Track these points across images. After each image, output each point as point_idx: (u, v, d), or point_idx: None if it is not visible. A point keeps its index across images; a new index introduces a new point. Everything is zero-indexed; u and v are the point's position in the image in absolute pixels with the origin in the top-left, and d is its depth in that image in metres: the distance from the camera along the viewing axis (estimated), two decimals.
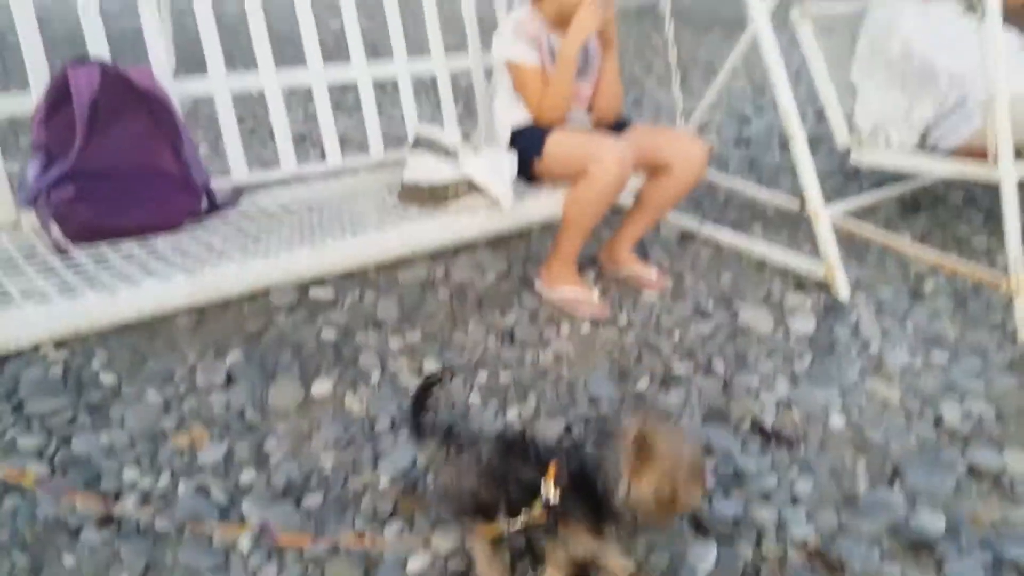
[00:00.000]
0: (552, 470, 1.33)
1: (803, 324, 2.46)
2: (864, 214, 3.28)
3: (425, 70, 2.75)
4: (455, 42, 2.83)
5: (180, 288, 1.75)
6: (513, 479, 1.36)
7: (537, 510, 1.31)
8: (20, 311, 1.60)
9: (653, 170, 2.52)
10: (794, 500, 1.77)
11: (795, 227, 3.19)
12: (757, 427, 2.00)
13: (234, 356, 2.13)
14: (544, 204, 2.39)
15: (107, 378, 2.01)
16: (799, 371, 2.24)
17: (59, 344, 2.11)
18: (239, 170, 2.35)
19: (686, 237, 3.05)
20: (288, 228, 2.12)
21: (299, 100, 4.06)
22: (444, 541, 1.54)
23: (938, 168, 2.90)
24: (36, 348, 2.08)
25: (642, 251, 2.88)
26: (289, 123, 2.47)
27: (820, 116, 4.77)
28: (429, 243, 2.30)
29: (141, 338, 2.18)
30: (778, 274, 2.78)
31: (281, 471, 1.75)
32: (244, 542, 1.55)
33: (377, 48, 2.88)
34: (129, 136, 2.04)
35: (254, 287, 1.95)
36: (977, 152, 2.85)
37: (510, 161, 2.30)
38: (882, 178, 3.63)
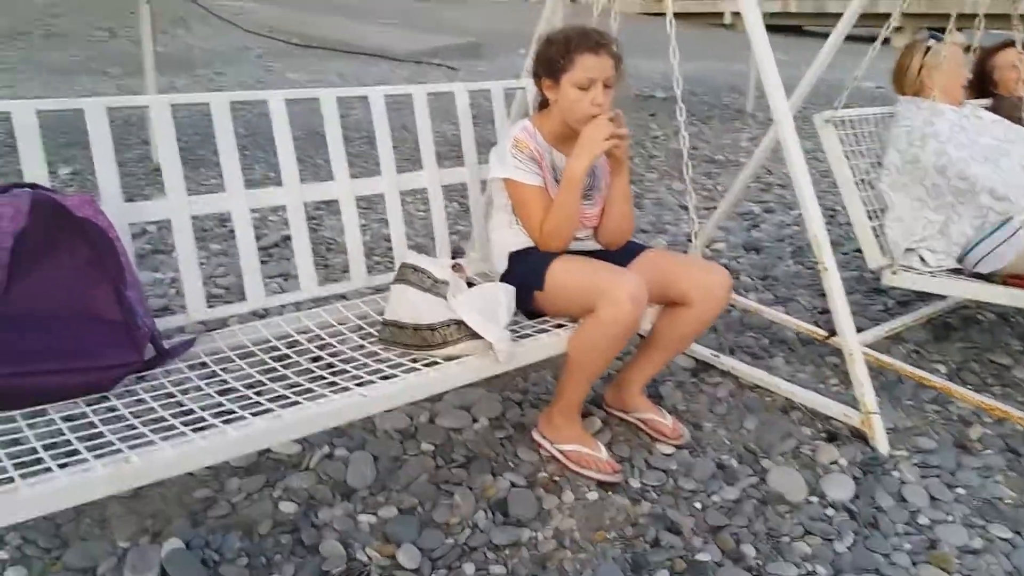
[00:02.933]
0: None
1: (840, 489, 2.13)
2: (891, 340, 2.98)
3: (415, 184, 2.47)
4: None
5: (100, 482, 1.42)
6: None
7: None
8: None
9: (669, 303, 2.22)
10: None
11: (820, 355, 2.88)
12: None
13: (172, 543, 1.78)
14: (547, 345, 2.08)
15: (15, 574, 1.66)
16: (841, 555, 1.90)
17: None
18: (196, 307, 2.04)
19: (700, 369, 2.73)
20: (245, 384, 1.80)
21: (272, 220, 3.79)
22: None
23: (987, 295, 2.62)
24: None
25: (653, 386, 2.56)
26: (256, 247, 2.16)
27: (832, 217, 4.55)
28: (425, 394, 1.97)
29: (65, 515, 1.84)
30: (807, 418, 2.46)
31: None
32: None
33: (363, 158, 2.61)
34: (61, 276, 1.73)
35: (196, 467, 1.61)
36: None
37: (507, 300, 2.00)
38: (907, 295, 3.35)
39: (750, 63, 8.13)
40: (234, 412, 1.66)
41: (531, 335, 2.07)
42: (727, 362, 2.70)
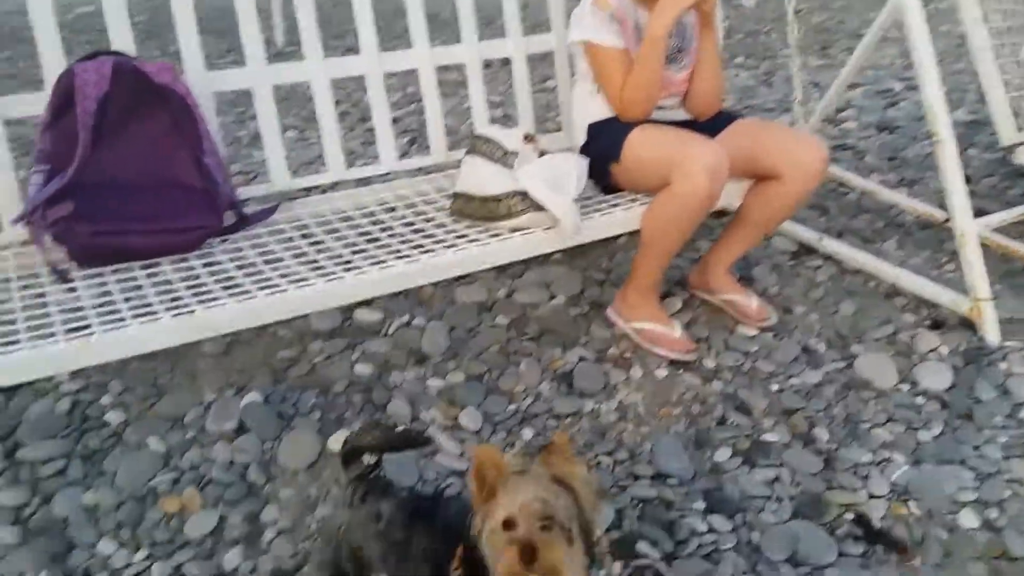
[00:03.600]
0: (458, 558, 1.05)
1: (936, 378, 1.99)
2: (1018, 226, 2.69)
3: (498, 52, 2.39)
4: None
5: (165, 331, 1.53)
6: (412, 547, 1.11)
7: None
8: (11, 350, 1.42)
9: (759, 177, 2.09)
10: None
11: (939, 242, 2.65)
12: (861, 525, 1.59)
13: (253, 396, 1.90)
14: (618, 221, 2.02)
15: (113, 417, 1.83)
16: (924, 445, 1.79)
17: (75, 373, 1.95)
18: (279, 176, 2.10)
19: (801, 252, 2.58)
20: (323, 250, 1.85)
21: (349, 91, 3.78)
22: None
23: None
24: (50, 378, 1.92)
25: (746, 269, 2.45)
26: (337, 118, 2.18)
27: (981, 96, 4.08)
28: (483, 265, 1.97)
29: (162, 367, 2.00)
30: (911, 306, 2.28)
31: (271, 554, 1.51)
32: None
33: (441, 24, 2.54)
34: (142, 142, 1.82)
35: (256, 323, 1.69)
36: None
37: (578, 171, 1.94)
38: None
39: None
40: (304, 277, 1.72)
41: (603, 209, 2.00)
42: (830, 245, 2.53)
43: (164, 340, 1.53)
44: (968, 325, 2.16)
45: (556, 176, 1.92)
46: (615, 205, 2.03)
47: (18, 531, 1.53)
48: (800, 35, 5.65)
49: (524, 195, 1.87)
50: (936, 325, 2.20)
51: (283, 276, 1.70)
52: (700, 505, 1.63)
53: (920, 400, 1.93)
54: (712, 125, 2.14)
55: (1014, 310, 2.25)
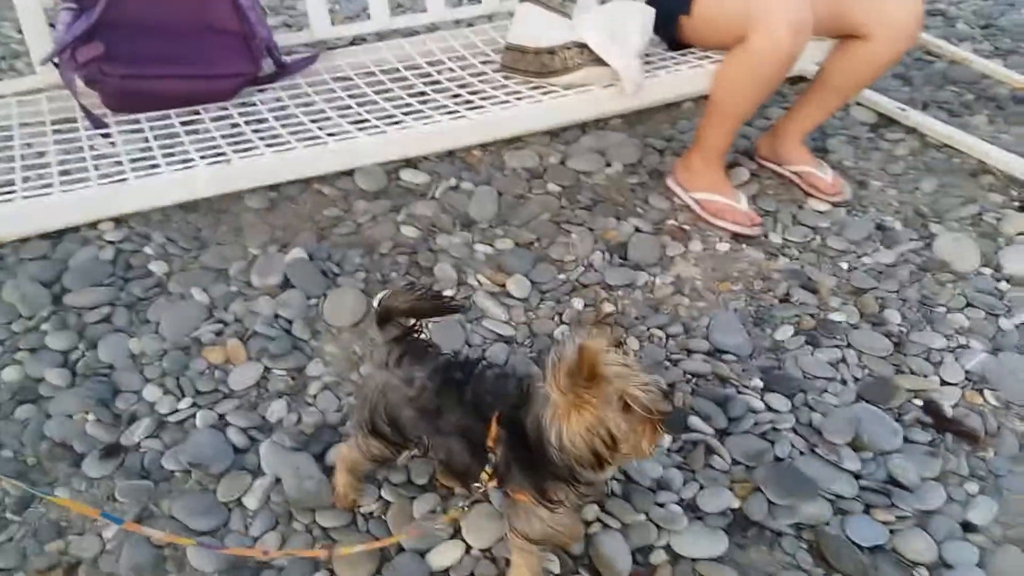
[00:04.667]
0: (494, 428, 1.02)
1: (1021, 263, 1.83)
2: None
3: None
4: None
5: (200, 180, 1.46)
6: (442, 420, 1.07)
7: (485, 479, 1.03)
8: (49, 196, 1.37)
9: (843, 36, 1.89)
10: (967, 529, 1.30)
11: None
12: (930, 412, 1.50)
13: (297, 252, 1.84)
14: (687, 79, 1.86)
15: (157, 267, 1.79)
16: (1006, 333, 1.67)
17: (119, 221, 1.90)
18: (319, 24, 1.97)
19: (882, 124, 2.38)
20: (364, 103, 1.74)
21: None
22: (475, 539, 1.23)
23: None
24: (94, 224, 1.88)
25: (820, 140, 2.27)
26: None
27: None
28: (536, 126, 1.85)
29: (205, 221, 1.93)
30: (999, 185, 2.10)
31: (315, 408, 1.48)
32: (250, 500, 1.31)
33: None
34: None
35: (293, 176, 1.61)
36: None
37: (642, 21, 1.76)
38: None
39: None
40: (345, 130, 1.62)
41: (669, 67, 1.84)
42: (915, 117, 2.33)
43: (200, 189, 1.47)
44: None
45: (618, 27, 1.76)
46: (683, 63, 1.86)
47: (66, 374, 1.52)
48: None
49: (582, 47, 1.72)
50: (1023, 208, 2.03)
51: (323, 129, 1.60)
52: (757, 383, 1.55)
53: (1004, 286, 1.79)
54: None
55: None
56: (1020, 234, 1.92)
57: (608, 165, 2.19)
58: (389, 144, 1.59)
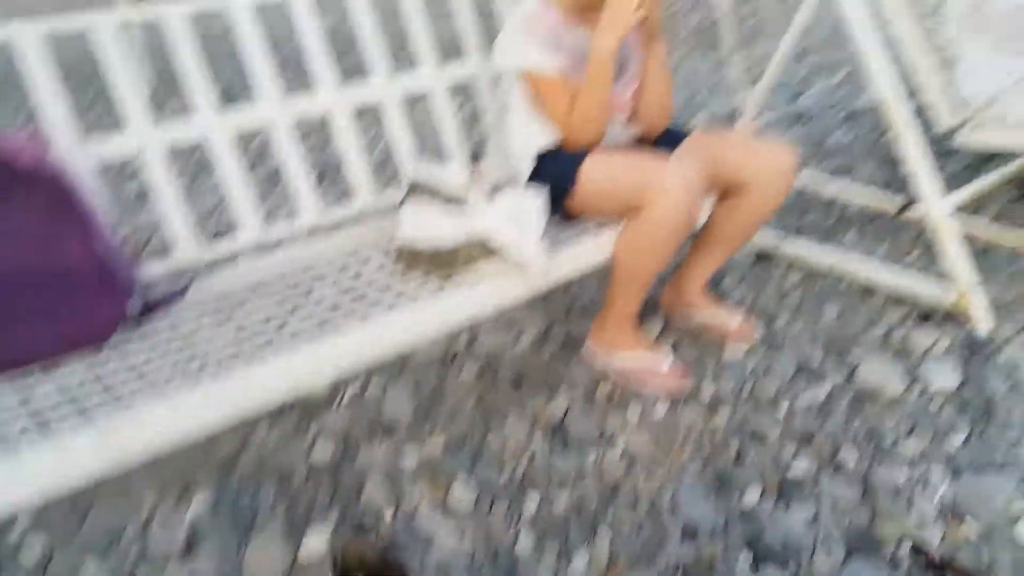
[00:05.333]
0: None
1: (945, 376, 1.87)
2: (971, 207, 2.65)
3: (414, 86, 2.15)
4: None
5: (98, 451, 1.21)
6: None
7: None
8: None
9: (726, 190, 1.93)
10: None
11: (893, 230, 2.58)
12: (921, 557, 1.43)
13: (201, 500, 1.58)
14: (589, 252, 1.81)
15: (34, 544, 1.48)
16: (956, 453, 1.66)
17: None
18: (185, 248, 1.78)
19: (763, 258, 2.45)
20: (252, 328, 1.56)
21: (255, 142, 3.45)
22: None
23: None
24: None
25: (713, 283, 2.29)
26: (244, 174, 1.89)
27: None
28: (443, 328, 1.72)
29: None
30: (892, 301, 2.18)
31: None
32: None
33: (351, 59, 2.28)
34: (18, 231, 1.47)
35: (210, 428, 1.38)
36: None
37: (537, 205, 1.72)
38: (972, 159, 2.99)
39: None
40: (229, 368, 1.43)
41: (569, 243, 1.79)
42: (793, 247, 2.41)
43: (77, 471, 1.21)
44: (955, 318, 2.07)
45: (516, 215, 1.70)
46: (582, 235, 1.81)
47: None
48: (694, 24, 5.63)
49: (484, 241, 1.64)
50: (924, 318, 2.09)
51: (204, 368, 1.40)
52: (746, 557, 1.43)
53: (936, 404, 1.80)
54: (665, 142, 1.97)
55: (993, 293, 2.17)
56: (930, 348, 1.97)
57: (519, 337, 2.10)
58: (283, 378, 1.40)
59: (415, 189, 1.79)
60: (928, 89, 2.54)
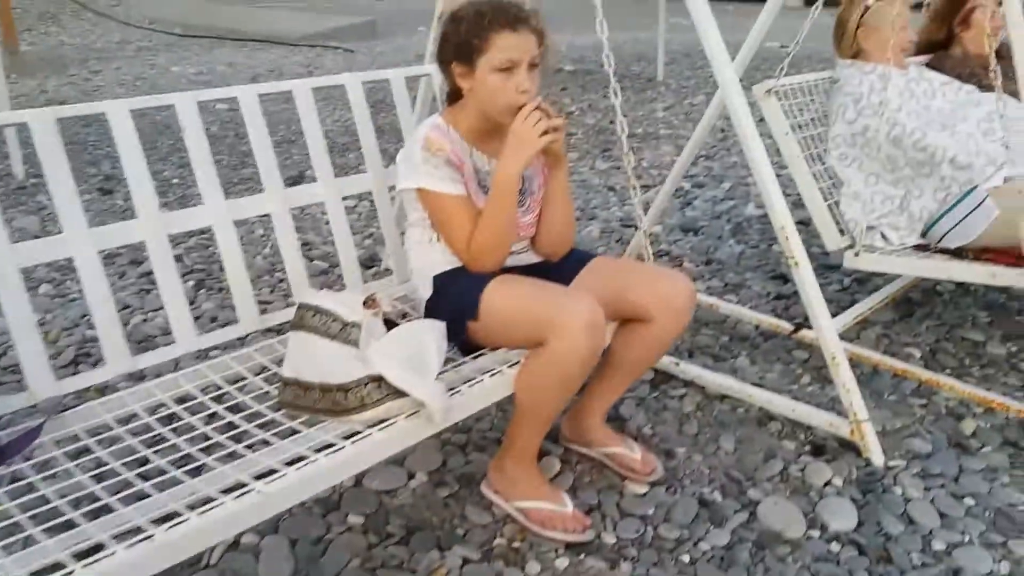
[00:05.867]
0: None
1: (841, 517, 1.84)
2: (858, 325, 2.73)
3: (307, 199, 2.05)
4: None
5: None
6: None
7: None
8: None
9: (625, 319, 1.89)
10: None
11: (786, 349, 2.61)
12: None
13: None
14: (491, 389, 1.71)
15: None
16: None
17: None
18: (41, 382, 1.59)
19: (660, 380, 2.41)
20: (110, 482, 1.38)
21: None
22: None
23: (964, 274, 2.36)
24: None
25: (612, 409, 2.22)
26: (113, 297, 1.72)
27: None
28: (338, 480, 1.59)
29: None
30: (788, 431, 2.17)
31: None
32: None
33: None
34: None
35: None
36: (997, 250, 2.36)
37: (437, 341, 1.62)
38: (861, 271, 3.10)
39: (658, 30, 7.90)
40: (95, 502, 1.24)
41: (470, 379, 1.70)
42: (690, 370, 2.39)
43: None
44: (849, 446, 2.07)
45: (414, 352, 1.59)
46: (483, 371, 1.72)
47: None
48: (580, 137, 5.77)
49: (379, 380, 1.52)
50: (818, 451, 2.09)
51: (52, 534, 1.21)
52: None
53: (835, 547, 1.77)
54: (566, 266, 1.93)
55: (883, 420, 2.20)
56: (826, 484, 1.96)
57: (411, 477, 1.96)
58: (148, 559, 1.22)
59: (305, 315, 1.66)
60: (815, 211, 2.62)
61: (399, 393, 1.52)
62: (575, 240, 1.98)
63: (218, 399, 1.68)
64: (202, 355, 1.99)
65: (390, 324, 1.73)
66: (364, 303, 1.67)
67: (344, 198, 2.08)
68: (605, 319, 1.82)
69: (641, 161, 5.17)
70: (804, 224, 3.03)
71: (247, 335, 1.89)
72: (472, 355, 1.81)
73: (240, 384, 1.73)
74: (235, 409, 1.63)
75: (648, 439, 2.13)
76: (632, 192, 2.11)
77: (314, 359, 1.59)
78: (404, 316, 1.99)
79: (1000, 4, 2.83)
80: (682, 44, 9.51)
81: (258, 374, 1.77)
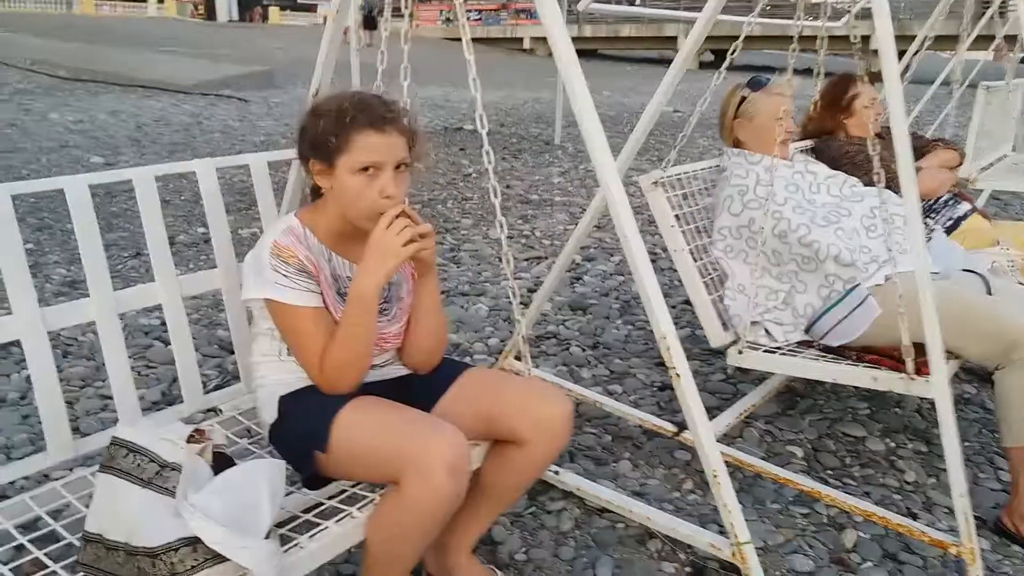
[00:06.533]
0: None
1: None
2: (739, 425, 2.65)
3: (142, 302, 1.82)
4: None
5: None
6: None
7: None
8: None
9: (497, 440, 1.73)
10: None
11: (669, 450, 2.51)
12: None
13: None
14: (338, 539, 1.51)
15: None
16: None
17: None
18: None
19: (540, 490, 2.26)
20: None
21: None
22: None
23: (847, 377, 2.31)
24: None
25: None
26: None
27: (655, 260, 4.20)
28: None
29: None
30: (667, 551, 2.04)
31: None
32: None
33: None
34: None
35: None
36: (879, 350, 2.33)
37: (270, 486, 1.41)
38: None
39: (556, 92, 7.95)
40: None
41: (313, 526, 1.49)
42: (570, 480, 2.24)
43: None
44: (730, 567, 1.95)
45: (241, 503, 1.38)
46: (327, 518, 1.52)
47: None
48: (479, 202, 5.68)
49: (195, 543, 1.30)
50: (698, 573, 1.97)
51: None
52: None
53: None
54: (434, 380, 1.77)
55: (764, 533, 2.11)
56: None
57: None
58: None
59: (116, 453, 1.43)
60: (699, 305, 2.54)
61: (218, 557, 1.30)
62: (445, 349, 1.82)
63: (7, 554, 1.42)
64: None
65: (224, 460, 1.51)
66: (190, 437, 1.45)
67: (193, 297, 1.86)
68: (475, 440, 1.67)
69: (534, 230, 5.11)
70: (687, 303, 2.97)
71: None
72: (319, 489, 1.61)
73: (34, 535, 1.47)
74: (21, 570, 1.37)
75: (522, 567, 1.96)
76: (511, 295, 1.93)
77: (120, 513, 1.35)
78: (250, 440, 1.77)
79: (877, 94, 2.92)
80: None
81: (60, 517, 1.51)
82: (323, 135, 1.56)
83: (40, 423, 1.61)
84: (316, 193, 1.67)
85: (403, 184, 1.61)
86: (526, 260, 4.43)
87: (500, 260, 4.50)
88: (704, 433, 1.90)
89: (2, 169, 5.95)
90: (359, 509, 1.53)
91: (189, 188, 5.32)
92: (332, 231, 1.66)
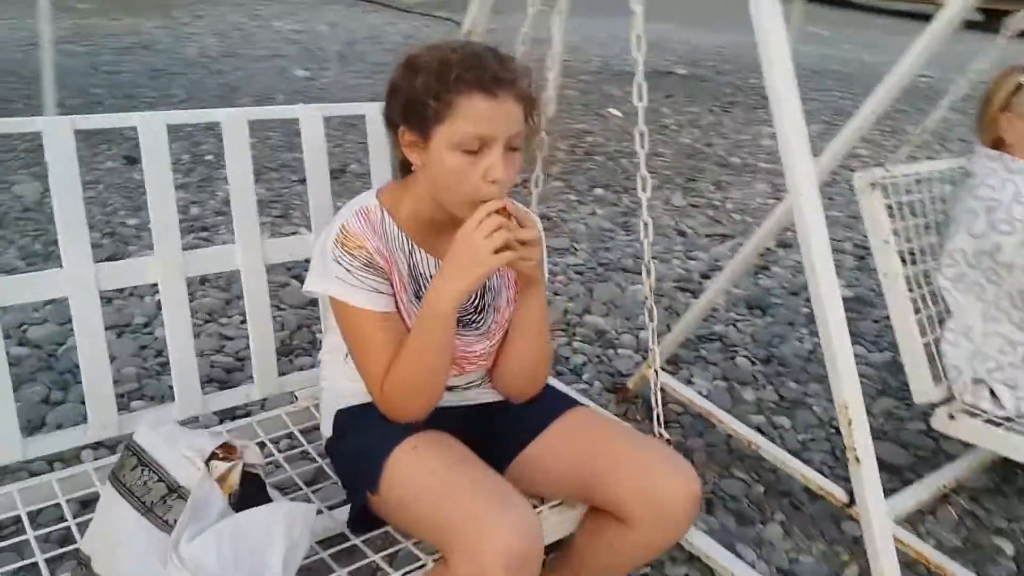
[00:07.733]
0: None
1: None
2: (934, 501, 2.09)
3: (213, 266, 1.59)
4: None
5: None
6: None
7: None
8: None
9: (597, 509, 1.35)
10: None
11: (835, 520, 2.01)
12: None
13: None
14: None
15: None
16: None
17: None
18: None
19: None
20: None
21: None
22: None
23: None
24: None
25: None
26: None
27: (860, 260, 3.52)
28: None
29: None
30: None
31: None
32: None
33: None
34: None
35: None
36: None
37: (288, 536, 1.12)
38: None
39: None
40: None
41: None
42: (699, 542, 1.82)
43: None
44: None
45: (254, 546, 1.11)
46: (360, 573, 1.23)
47: None
48: (667, 159, 5.11)
49: None
50: None
51: None
52: None
53: None
54: (530, 414, 1.41)
55: None
56: None
57: None
58: None
59: (127, 463, 1.20)
60: (906, 347, 2.00)
61: None
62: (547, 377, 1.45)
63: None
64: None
65: (254, 484, 1.24)
66: (212, 455, 1.19)
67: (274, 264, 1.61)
68: (573, 502, 1.32)
69: (726, 200, 4.53)
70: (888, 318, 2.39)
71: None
72: (368, 534, 1.32)
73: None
74: None
75: None
76: (647, 317, 1.51)
77: (111, 540, 1.13)
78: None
79: None
80: (813, 59, 8.64)
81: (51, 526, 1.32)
82: (418, 97, 1.20)
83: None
84: (405, 168, 1.32)
85: (514, 167, 1.23)
86: (707, 236, 3.90)
87: (677, 234, 4.07)
88: (872, 493, 1.43)
89: (213, 74, 6.13)
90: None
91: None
92: (419, 218, 1.31)
